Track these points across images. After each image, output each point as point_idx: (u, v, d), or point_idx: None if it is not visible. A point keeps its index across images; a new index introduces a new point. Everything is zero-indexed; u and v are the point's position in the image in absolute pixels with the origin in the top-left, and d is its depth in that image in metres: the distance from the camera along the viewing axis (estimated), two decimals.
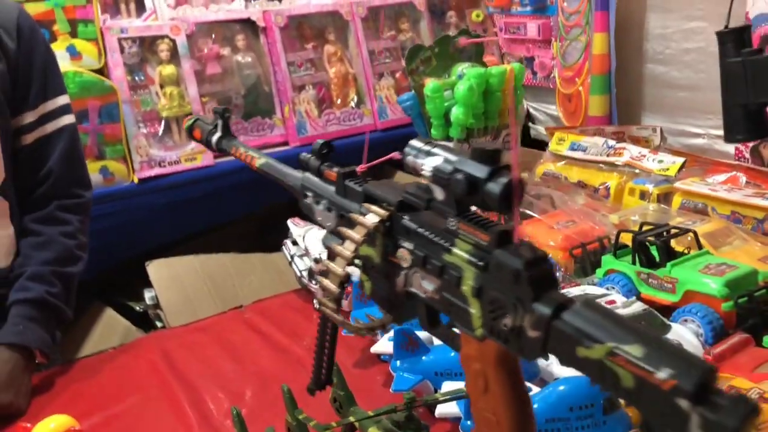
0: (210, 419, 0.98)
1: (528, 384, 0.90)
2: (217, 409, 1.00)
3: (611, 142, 1.67)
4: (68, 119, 1.22)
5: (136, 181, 1.74)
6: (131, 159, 1.73)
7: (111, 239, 1.74)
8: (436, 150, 0.57)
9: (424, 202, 0.60)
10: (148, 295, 1.77)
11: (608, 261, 1.21)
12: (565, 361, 0.47)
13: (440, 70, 1.51)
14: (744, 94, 0.91)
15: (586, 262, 1.27)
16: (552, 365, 0.97)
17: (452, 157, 0.55)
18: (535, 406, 0.81)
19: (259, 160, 0.85)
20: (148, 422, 0.99)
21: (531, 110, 2.34)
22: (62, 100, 1.22)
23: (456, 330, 0.59)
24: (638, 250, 1.16)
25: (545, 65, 2.17)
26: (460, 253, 0.54)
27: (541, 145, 1.96)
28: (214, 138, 0.90)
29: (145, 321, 1.77)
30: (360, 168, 0.71)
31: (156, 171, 1.75)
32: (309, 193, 0.74)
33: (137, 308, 1.78)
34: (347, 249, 0.61)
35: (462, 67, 1.49)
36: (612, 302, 1.07)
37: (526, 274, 0.48)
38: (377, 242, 0.63)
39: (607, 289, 1.16)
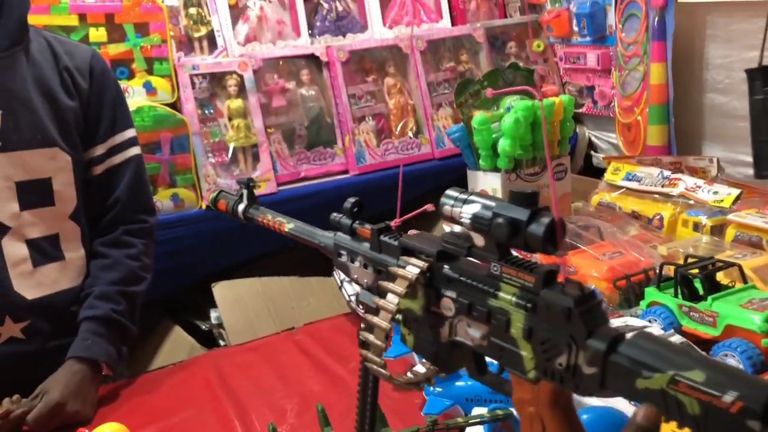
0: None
1: None
2: (261, 425, 1.06)
3: (666, 173, 1.67)
4: (135, 150, 1.33)
5: (203, 207, 1.84)
6: (200, 186, 1.84)
7: (181, 261, 1.86)
8: (472, 198, 0.58)
9: (464, 250, 0.61)
10: (213, 314, 1.86)
11: (651, 293, 1.21)
12: (625, 395, 0.48)
13: (489, 103, 1.55)
14: (766, 129, 0.91)
15: (630, 294, 1.28)
16: (584, 396, 0.99)
17: (491, 203, 0.56)
18: None
19: (288, 225, 0.85)
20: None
21: (593, 138, 2.34)
22: (129, 133, 1.33)
23: (507, 376, 0.59)
24: (680, 282, 1.16)
25: (605, 94, 2.17)
26: (506, 296, 0.55)
27: (603, 173, 1.96)
28: (240, 207, 0.91)
29: (209, 339, 1.86)
30: (394, 223, 0.71)
31: None
32: (343, 252, 0.75)
33: (203, 327, 1.88)
34: (390, 302, 0.61)
35: (511, 100, 1.52)
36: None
37: (577, 312, 0.49)
38: (419, 294, 0.63)
39: (649, 321, 1.17)
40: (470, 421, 0.85)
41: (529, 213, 0.52)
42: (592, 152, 2.33)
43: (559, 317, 0.50)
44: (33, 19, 1.52)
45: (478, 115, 1.48)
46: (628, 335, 0.48)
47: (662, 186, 1.64)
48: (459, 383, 1.00)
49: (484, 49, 2.27)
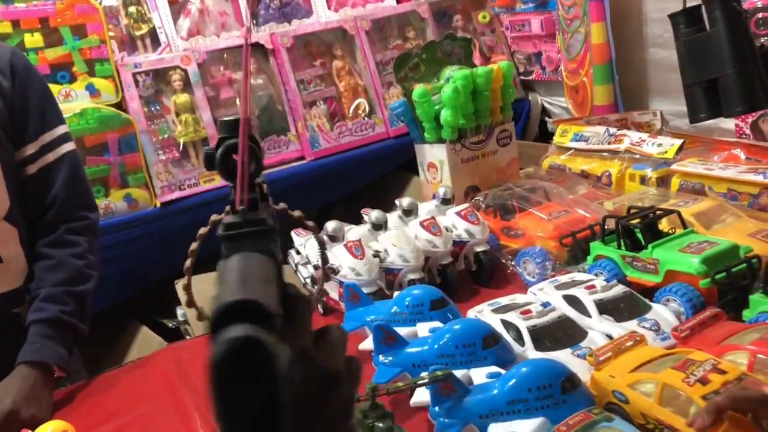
0: (210, 418, 1.04)
1: (500, 369, 0.94)
2: None
3: (612, 130, 1.68)
4: (68, 147, 1.31)
5: (158, 205, 1.84)
6: (152, 185, 1.83)
7: (141, 261, 1.85)
8: None
9: None
10: (179, 312, 1.86)
11: (596, 247, 1.23)
12: None
13: (429, 75, 1.55)
14: (691, 73, 0.93)
15: (577, 250, 1.29)
16: (527, 350, 1.00)
17: None
18: (495, 391, 0.85)
19: None
20: (157, 423, 1.07)
21: (546, 105, 2.35)
22: (61, 129, 1.30)
23: None
24: (622, 234, 1.18)
25: (552, 59, 2.18)
26: None
27: None
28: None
29: (178, 337, 1.86)
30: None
31: (176, 194, 1.85)
32: None
33: (170, 325, 1.88)
34: None
35: (450, 71, 1.53)
36: (592, 287, 1.09)
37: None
38: None
39: (595, 275, 1.18)
40: (409, 384, 0.86)
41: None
42: (546, 118, 2.34)
43: None
44: None
45: (419, 88, 1.48)
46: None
47: (608, 143, 1.66)
48: (408, 350, 1.01)
49: (430, 25, 2.27)
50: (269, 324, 0.38)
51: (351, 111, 2.11)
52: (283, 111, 2.06)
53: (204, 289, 1.60)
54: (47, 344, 1.18)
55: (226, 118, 0.50)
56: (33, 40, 1.73)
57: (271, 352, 0.37)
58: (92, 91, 1.79)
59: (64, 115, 1.36)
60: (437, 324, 1.09)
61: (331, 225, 1.35)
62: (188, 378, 1.20)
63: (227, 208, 0.49)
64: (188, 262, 0.65)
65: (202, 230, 0.62)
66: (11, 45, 1.36)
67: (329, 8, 2.24)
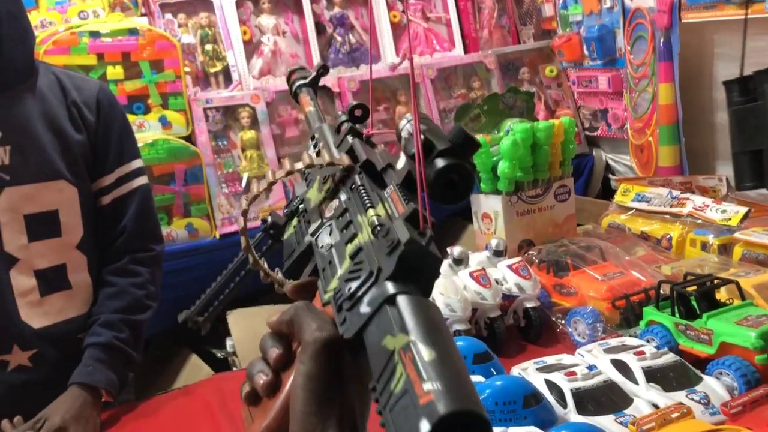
0: None
1: (539, 431, 0.92)
2: None
3: (675, 193, 1.65)
4: (142, 180, 1.37)
5: (218, 236, 1.89)
6: (213, 216, 1.88)
7: (197, 290, 1.89)
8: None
9: (384, 164, 0.56)
10: (228, 343, 1.89)
11: (649, 312, 1.20)
12: (365, 346, 0.42)
13: (490, 126, 1.56)
14: (739, 141, 0.91)
15: (630, 314, 1.26)
16: (569, 413, 0.98)
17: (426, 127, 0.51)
18: None
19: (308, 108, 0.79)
20: None
21: (610, 162, 2.33)
22: (136, 164, 1.37)
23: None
24: (677, 300, 1.14)
25: (618, 117, 2.16)
26: (371, 214, 0.50)
27: None
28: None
29: (225, 367, 1.89)
30: (366, 132, 0.66)
31: (236, 227, 1.90)
32: (315, 135, 0.71)
33: (218, 355, 1.91)
34: (305, 160, 0.58)
35: (510, 123, 1.53)
36: (641, 353, 1.06)
37: (401, 249, 0.44)
38: (324, 188, 0.60)
39: (647, 340, 1.15)
40: None
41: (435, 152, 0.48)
42: (610, 175, 2.31)
43: (384, 247, 0.45)
44: (54, 59, 1.60)
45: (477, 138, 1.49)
46: (415, 297, 0.42)
47: (671, 206, 1.62)
48: None
49: (496, 76, 2.29)
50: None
51: None
52: None
53: (254, 323, 1.63)
54: (99, 368, 1.22)
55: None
56: (114, 72, 1.83)
57: None
58: (164, 123, 1.87)
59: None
60: (479, 378, 1.07)
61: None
62: (228, 409, 1.22)
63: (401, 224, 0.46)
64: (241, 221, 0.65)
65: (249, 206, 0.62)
66: (97, 79, 1.44)
67: (397, 55, 2.29)
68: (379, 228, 0.47)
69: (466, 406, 0.35)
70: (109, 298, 1.29)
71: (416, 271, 0.44)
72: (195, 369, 1.87)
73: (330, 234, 0.54)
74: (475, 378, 1.07)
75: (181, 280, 1.88)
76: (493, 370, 1.10)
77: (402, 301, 0.41)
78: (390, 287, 0.42)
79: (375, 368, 0.40)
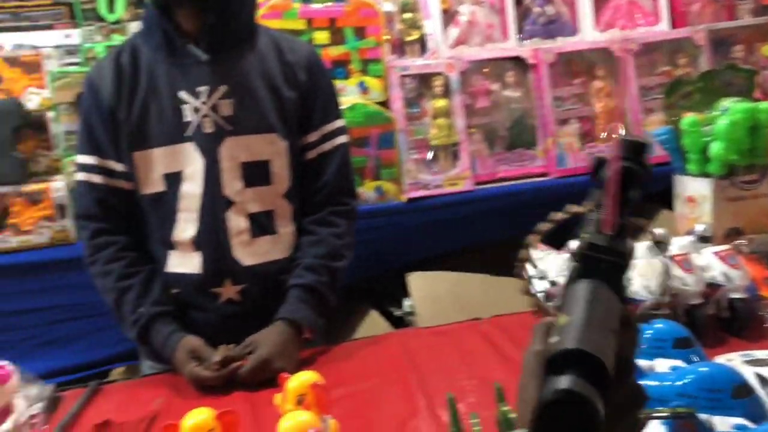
0: (433, 407, 1.09)
1: (749, 423, 0.86)
2: (441, 398, 1.10)
3: None
4: (343, 139, 1.45)
5: (404, 200, 1.94)
6: (402, 181, 1.94)
7: (379, 249, 1.97)
8: None
9: None
10: (406, 303, 1.95)
11: None
12: None
13: (702, 105, 1.47)
14: None
15: None
16: None
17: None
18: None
19: None
20: (383, 399, 1.14)
21: None
22: (339, 123, 1.45)
23: None
24: None
25: None
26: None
27: None
28: None
29: (401, 325, 1.95)
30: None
31: (422, 192, 1.95)
32: None
33: (396, 313, 1.97)
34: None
35: (727, 102, 1.43)
36: None
37: (579, 251, 0.50)
38: None
39: None
40: (646, 415, 0.83)
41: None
42: None
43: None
44: (267, 23, 1.72)
45: (689, 117, 1.41)
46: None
47: None
48: (643, 381, 0.97)
49: (705, 53, 2.13)
50: (599, 382, 0.41)
51: (605, 134, 2.06)
52: (534, 126, 2.07)
53: (433, 286, 1.66)
54: (302, 307, 1.31)
55: (626, 138, 0.52)
56: (321, 37, 1.92)
57: (594, 414, 0.40)
58: (363, 88, 1.94)
59: None
60: (679, 363, 1.03)
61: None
62: (414, 362, 1.27)
63: (591, 224, 0.51)
64: (532, 238, 0.71)
65: (560, 214, 0.67)
66: (308, 43, 1.53)
67: (596, 28, 2.21)
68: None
69: (574, 345, 0.42)
70: (310, 245, 1.38)
71: (598, 266, 0.49)
72: (373, 324, 1.95)
73: None
74: (675, 362, 1.03)
75: (366, 239, 1.95)
76: (694, 357, 1.05)
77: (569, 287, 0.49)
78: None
79: None
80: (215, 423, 0.87)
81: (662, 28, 2.21)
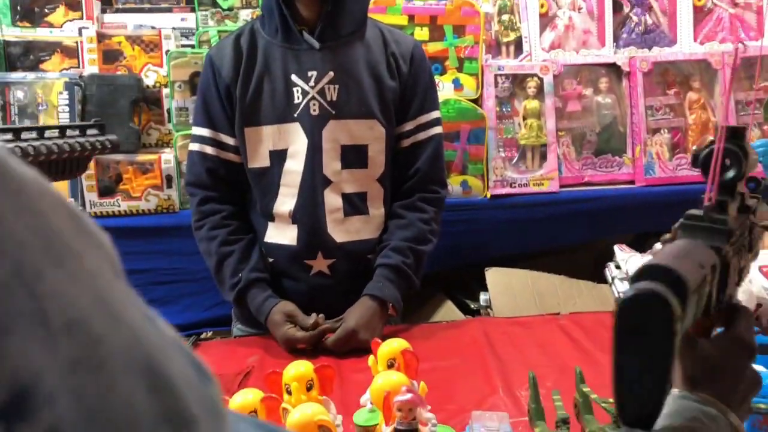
0: (512, 387, 1.14)
1: None
2: (519, 381, 1.15)
3: None
4: (437, 130, 1.51)
5: (488, 196, 1.99)
6: (488, 177, 1.99)
7: (461, 242, 2.02)
8: None
9: None
10: (483, 297, 2.00)
11: None
12: None
13: None
14: None
15: None
16: None
17: None
18: None
19: None
20: (464, 376, 1.20)
21: None
22: (434, 114, 1.51)
23: None
24: None
25: None
26: None
27: None
28: None
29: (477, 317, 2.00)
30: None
31: (506, 190, 1.99)
32: None
33: (472, 306, 2.02)
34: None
35: None
36: None
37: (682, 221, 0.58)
38: None
39: None
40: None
41: None
42: None
43: None
44: (373, 16, 1.80)
45: None
46: None
47: None
48: None
49: None
50: (679, 291, 0.45)
51: (695, 146, 2.04)
52: (624, 133, 2.08)
53: (511, 283, 1.70)
54: (388, 285, 1.38)
55: (729, 125, 0.59)
56: (421, 33, 1.99)
57: (672, 310, 0.44)
58: (457, 84, 2.00)
59: None
60: (761, 368, 1.04)
61: None
62: (494, 347, 1.32)
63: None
64: (660, 245, 0.74)
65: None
66: (412, 37, 1.60)
67: (695, 40, 2.19)
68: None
69: (657, 262, 0.46)
70: (399, 228, 1.45)
71: (698, 232, 0.56)
72: (449, 312, 2.00)
73: None
74: (759, 368, 1.04)
75: (449, 231, 2.01)
76: None
77: None
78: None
79: None
80: (314, 375, 0.94)
81: (765, 43, 2.18)
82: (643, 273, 0.47)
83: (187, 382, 0.27)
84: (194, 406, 0.27)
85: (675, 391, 0.60)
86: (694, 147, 0.66)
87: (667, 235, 0.63)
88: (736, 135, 0.58)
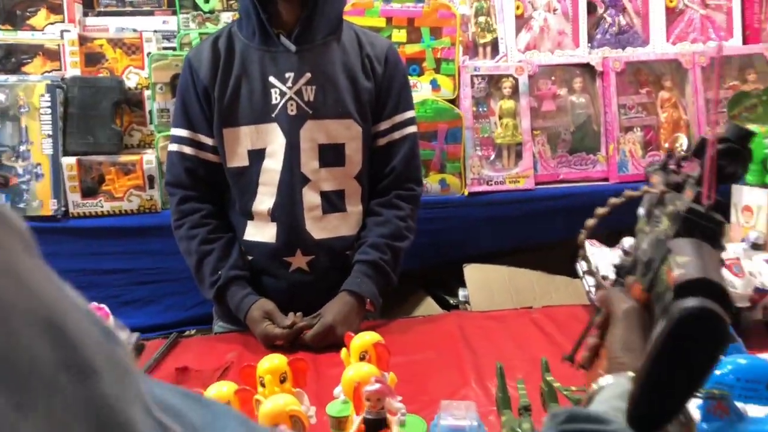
0: (483, 379, 1.18)
1: None
2: (491, 372, 1.18)
3: None
4: (412, 129, 1.55)
5: (466, 194, 2.03)
6: (465, 175, 2.03)
7: (440, 239, 2.06)
8: None
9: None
10: (461, 293, 2.03)
11: None
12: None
13: (765, 117, 1.51)
14: None
15: None
16: None
17: None
18: None
19: None
20: (437, 369, 1.24)
21: None
22: (409, 114, 1.55)
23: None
24: None
25: None
26: (671, 208, 0.67)
27: None
28: None
29: None
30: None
31: (483, 188, 2.03)
32: None
33: (451, 302, 2.06)
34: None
35: None
36: None
37: (682, 215, 0.60)
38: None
39: None
40: None
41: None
42: None
43: (675, 220, 0.60)
44: (350, 19, 1.83)
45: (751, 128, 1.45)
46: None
47: None
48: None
49: None
50: (727, 306, 0.49)
51: (667, 143, 2.09)
52: (598, 132, 2.13)
53: (489, 279, 1.75)
54: (365, 281, 1.42)
55: (727, 123, 0.63)
56: (399, 35, 2.03)
57: (726, 326, 0.48)
58: (434, 85, 2.04)
59: None
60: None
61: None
62: (467, 340, 1.36)
63: (684, 195, 0.62)
64: (582, 235, 0.78)
65: (603, 209, 0.75)
66: (387, 39, 1.64)
67: (668, 40, 2.24)
68: (672, 212, 0.62)
69: (701, 275, 0.49)
70: (376, 225, 1.49)
71: (696, 228, 0.57)
72: (429, 309, 2.04)
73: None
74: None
75: (428, 228, 2.05)
76: (734, 351, 1.10)
77: (673, 240, 0.56)
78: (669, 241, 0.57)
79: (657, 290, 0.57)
80: (287, 368, 0.98)
81: (734, 44, 2.23)
82: (692, 287, 0.50)
83: (90, 339, 0.31)
84: (96, 360, 0.31)
85: (629, 374, 0.64)
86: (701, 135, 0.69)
87: (603, 209, 0.69)
88: (733, 133, 0.61)
